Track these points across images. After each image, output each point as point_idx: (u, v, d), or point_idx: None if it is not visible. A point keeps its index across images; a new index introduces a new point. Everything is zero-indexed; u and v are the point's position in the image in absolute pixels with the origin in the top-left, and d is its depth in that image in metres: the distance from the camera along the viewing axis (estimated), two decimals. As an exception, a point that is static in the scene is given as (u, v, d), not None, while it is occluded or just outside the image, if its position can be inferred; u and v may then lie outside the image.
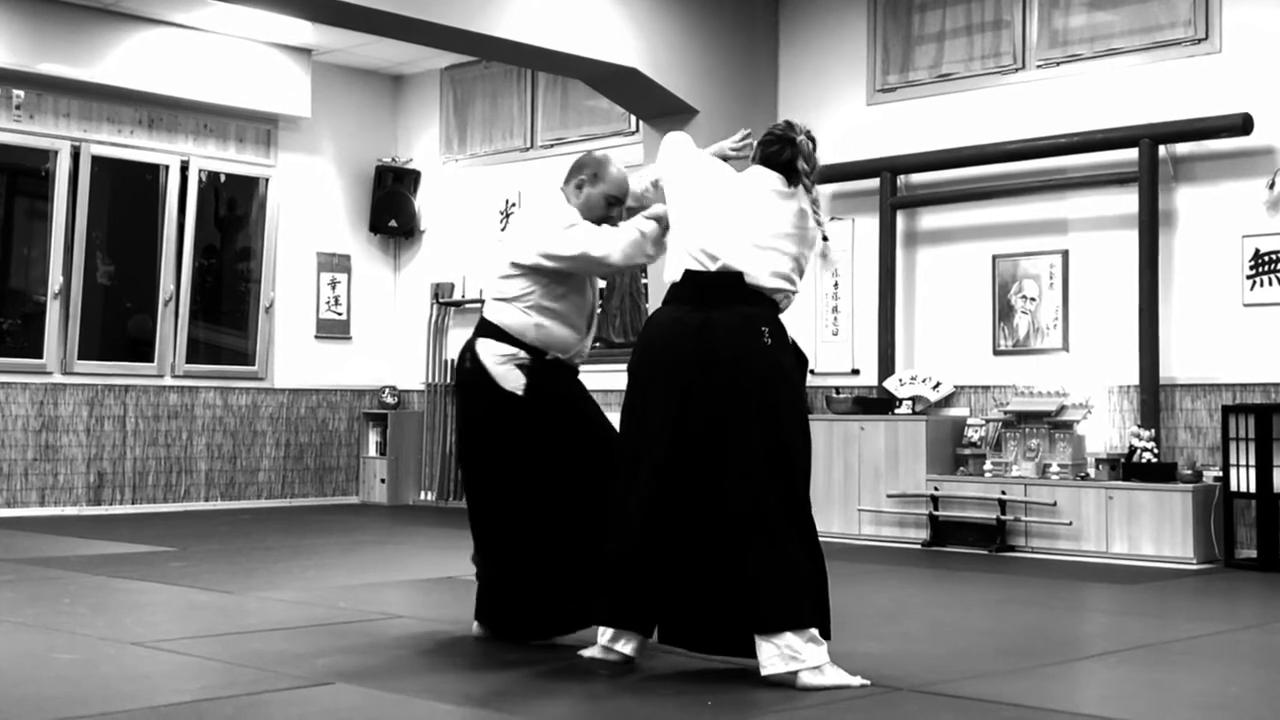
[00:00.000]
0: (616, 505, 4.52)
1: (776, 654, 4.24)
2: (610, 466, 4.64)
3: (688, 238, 4.55)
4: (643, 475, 4.43)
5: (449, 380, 11.65)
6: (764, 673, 4.26)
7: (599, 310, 10.77)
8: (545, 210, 4.98)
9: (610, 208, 5.01)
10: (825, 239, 4.68)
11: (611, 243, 4.82)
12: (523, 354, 4.89)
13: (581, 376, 5.06)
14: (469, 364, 4.95)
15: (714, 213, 4.56)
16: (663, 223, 4.80)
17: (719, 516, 4.35)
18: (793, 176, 4.53)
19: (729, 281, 4.44)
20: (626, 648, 4.53)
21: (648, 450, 4.44)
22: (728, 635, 4.46)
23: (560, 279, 4.91)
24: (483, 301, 5.19)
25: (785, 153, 4.52)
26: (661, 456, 4.40)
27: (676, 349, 4.44)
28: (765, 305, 4.46)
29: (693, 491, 4.38)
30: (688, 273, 4.51)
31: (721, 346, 4.37)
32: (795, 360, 4.52)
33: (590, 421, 4.96)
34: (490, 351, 4.90)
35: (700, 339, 4.39)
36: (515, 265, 4.91)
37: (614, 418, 4.73)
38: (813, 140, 4.58)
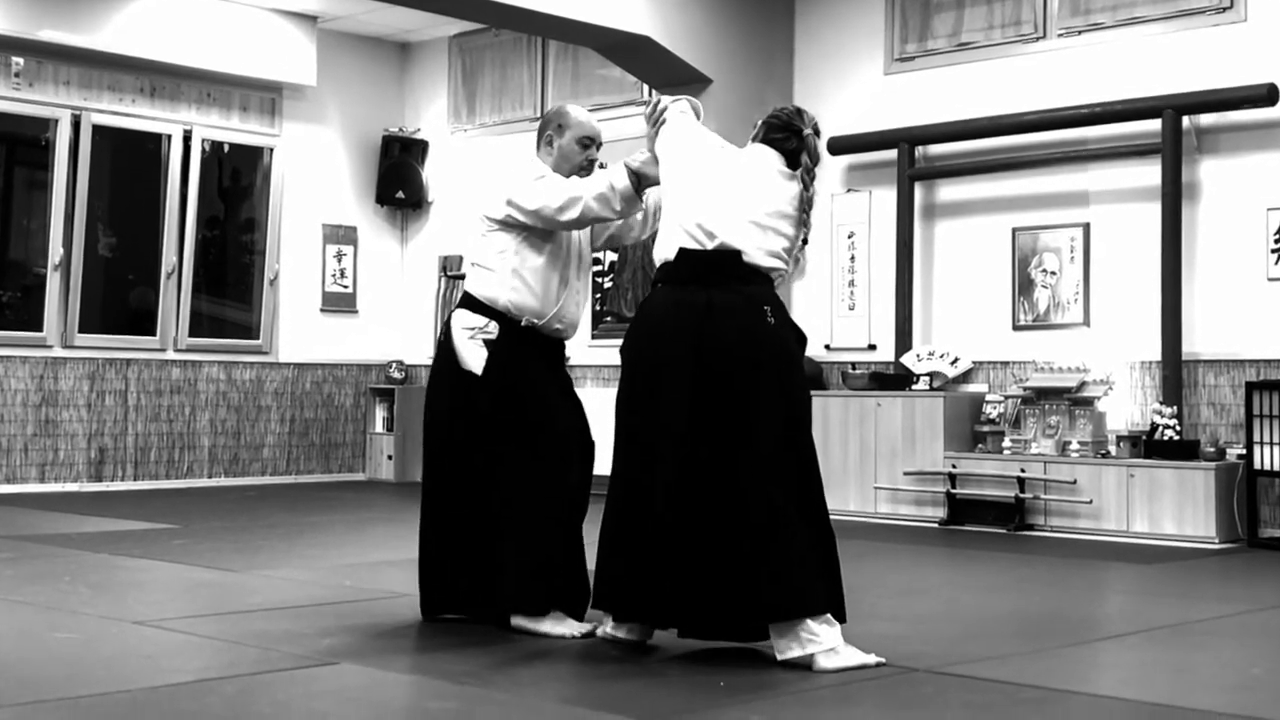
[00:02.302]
0: (621, 495, 4.42)
1: (793, 638, 4.18)
2: (565, 452, 4.76)
3: (683, 213, 4.44)
4: (658, 464, 4.31)
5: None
6: (780, 657, 4.20)
7: (610, 284, 10.76)
8: (517, 166, 4.96)
9: (585, 150, 4.98)
10: (805, 242, 4.56)
11: (571, 195, 4.74)
12: (492, 326, 4.82)
13: (592, 351, 4.95)
14: (441, 336, 4.99)
15: (712, 188, 4.46)
16: (644, 180, 4.71)
17: (735, 504, 4.24)
18: (794, 165, 4.47)
19: (727, 260, 4.35)
20: (634, 634, 4.49)
21: (660, 438, 4.33)
22: (742, 622, 4.37)
23: (539, 238, 4.86)
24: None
25: (791, 142, 4.47)
26: (675, 444, 4.28)
27: (681, 333, 4.32)
28: (764, 284, 4.38)
29: (709, 479, 4.26)
30: (682, 251, 4.40)
31: (726, 329, 4.28)
32: (796, 339, 4.45)
33: (550, 407, 4.84)
34: (460, 324, 4.88)
35: (705, 322, 4.28)
36: (488, 220, 4.88)
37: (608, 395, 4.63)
38: (818, 134, 4.52)
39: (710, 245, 4.37)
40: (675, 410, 4.30)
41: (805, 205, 4.46)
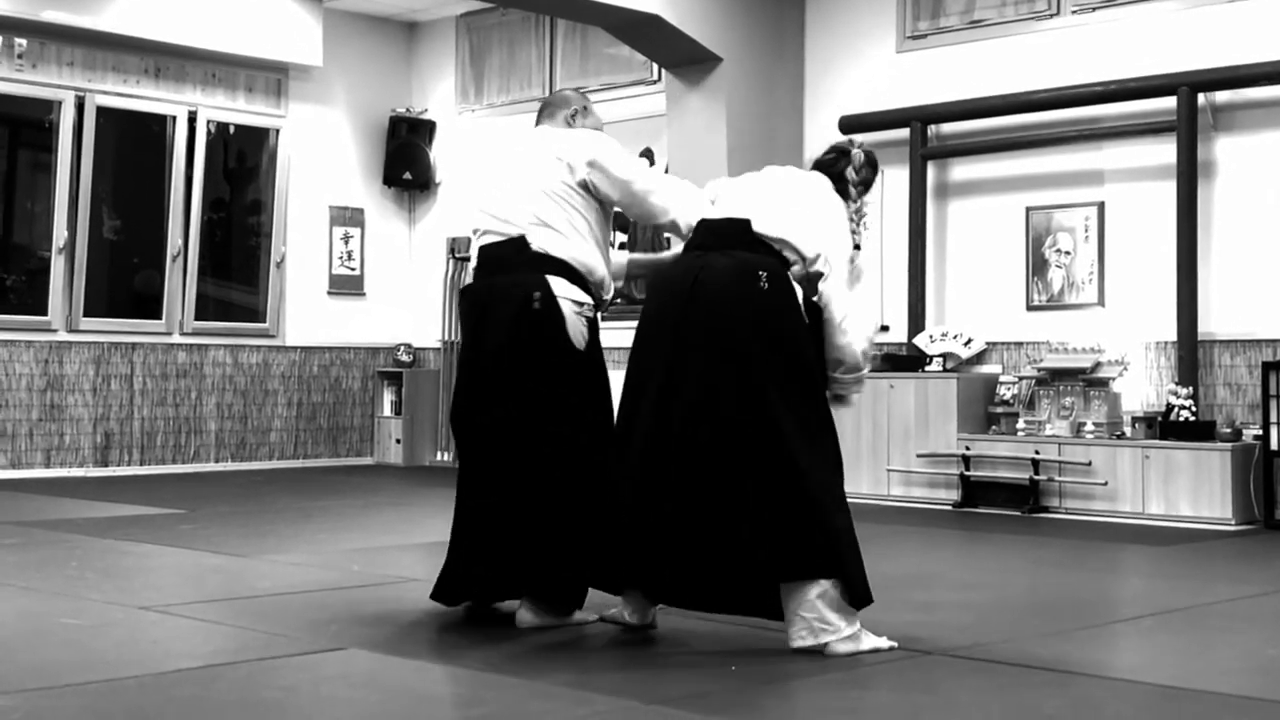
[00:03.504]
0: (616, 462, 4.40)
1: (806, 627, 4.12)
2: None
3: (710, 206, 4.55)
4: (637, 421, 4.32)
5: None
6: (793, 645, 4.14)
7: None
8: (584, 133, 4.74)
9: None
10: (858, 247, 4.57)
11: (670, 196, 4.63)
12: (590, 301, 4.59)
13: (603, 333, 4.81)
14: (539, 305, 4.48)
15: (744, 184, 4.60)
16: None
17: (699, 466, 4.19)
18: (841, 187, 4.57)
19: (735, 227, 4.38)
20: (635, 616, 4.44)
21: (640, 396, 4.34)
22: (745, 591, 4.28)
23: (600, 210, 4.65)
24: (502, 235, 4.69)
25: (839, 163, 4.60)
26: (650, 402, 4.28)
27: (674, 292, 4.35)
28: (770, 254, 4.34)
29: (680, 437, 4.22)
30: (700, 222, 4.49)
31: (713, 288, 4.25)
32: (797, 309, 4.33)
33: (606, 384, 4.73)
34: (566, 295, 4.52)
35: (692, 284, 4.29)
36: (565, 184, 4.57)
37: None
38: (871, 160, 4.66)
39: (719, 215, 4.45)
40: (654, 368, 4.32)
41: (856, 215, 4.59)
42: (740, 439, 4.14)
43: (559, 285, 4.49)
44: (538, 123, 4.88)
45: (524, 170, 4.64)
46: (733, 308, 4.21)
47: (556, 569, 4.48)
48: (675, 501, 4.20)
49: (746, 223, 4.36)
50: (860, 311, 4.45)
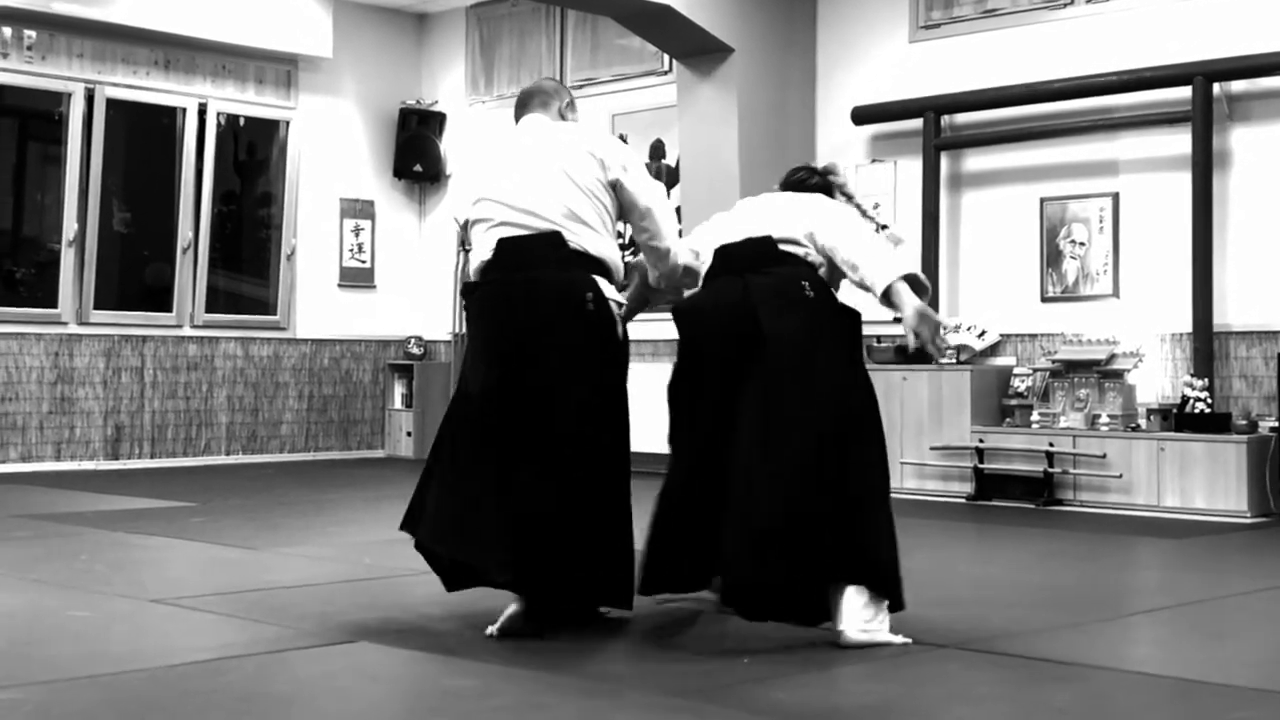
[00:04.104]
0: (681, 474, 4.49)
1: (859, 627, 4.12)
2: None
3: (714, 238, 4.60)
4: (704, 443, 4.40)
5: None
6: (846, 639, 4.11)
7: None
8: (612, 138, 4.82)
9: None
10: (884, 226, 4.63)
11: (674, 219, 4.66)
12: (622, 299, 4.55)
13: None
14: (592, 305, 4.35)
15: (739, 212, 4.67)
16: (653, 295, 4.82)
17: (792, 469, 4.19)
18: (829, 195, 4.68)
19: (760, 246, 4.41)
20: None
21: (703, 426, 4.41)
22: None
23: (615, 213, 4.60)
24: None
25: (813, 178, 4.69)
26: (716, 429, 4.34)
27: (719, 321, 4.39)
28: (798, 264, 4.39)
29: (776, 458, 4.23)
30: (719, 250, 4.50)
31: (765, 309, 4.29)
32: (842, 309, 4.40)
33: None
34: (611, 296, 4.45)
35: (740, 304, 4.34)
36: (604, 182, 4.47)
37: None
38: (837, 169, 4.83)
39: (739, 237, 4.49)
40: (711, 392, 4.42)
41: (855, 204, 4.69)
42: (829, 444, 4.17)
43: (604, 285, 4.42)
44: (525, 112, 4.69)
45: (547, 162, 4.47)
46: (787, 320, 4.25)
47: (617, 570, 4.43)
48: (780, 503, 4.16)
49: (768, 239, 4.36)
50: (866, 243, 4.35)
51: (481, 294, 4.47)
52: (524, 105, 4.73)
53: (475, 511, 4.32)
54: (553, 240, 4.36)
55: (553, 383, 4.31)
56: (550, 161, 4.46)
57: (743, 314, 4.26)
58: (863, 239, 4.33)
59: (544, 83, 4.85)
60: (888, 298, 4.20)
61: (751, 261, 4.35)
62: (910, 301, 4.18)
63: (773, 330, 4.22)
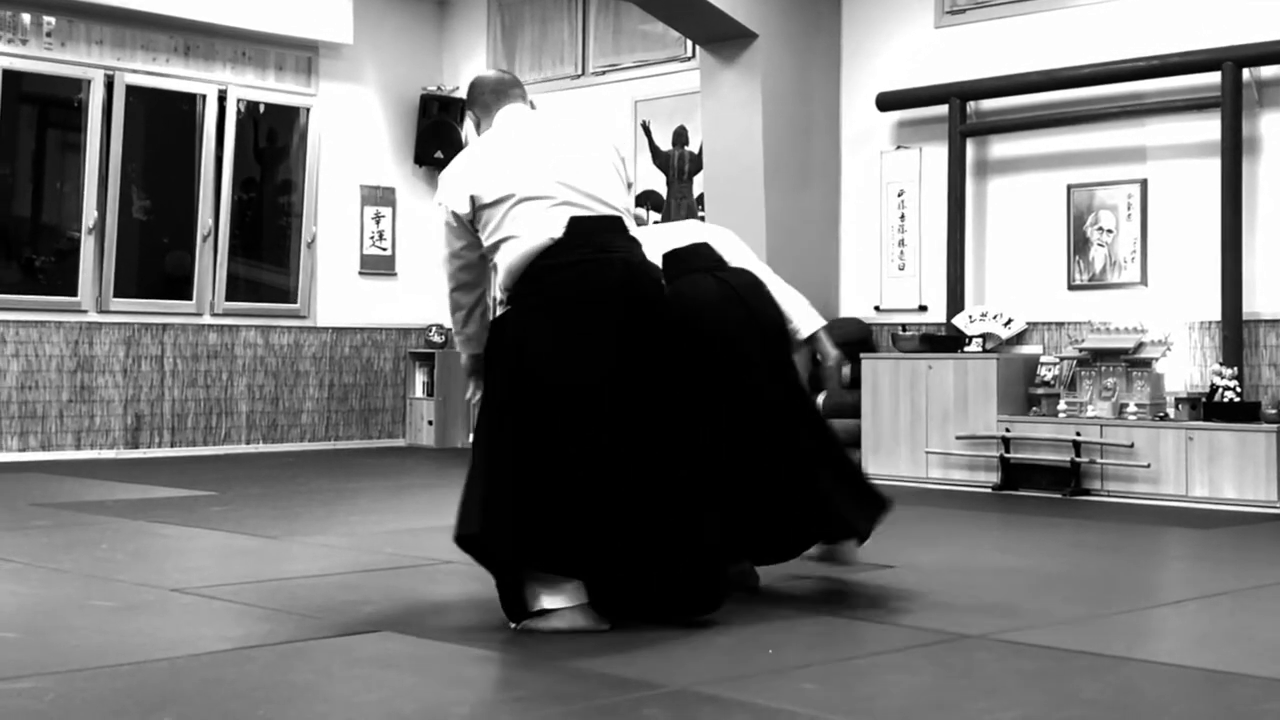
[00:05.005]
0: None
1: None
2: None
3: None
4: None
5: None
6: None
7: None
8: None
9: None
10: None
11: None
12: None
13: None
14: (668, 291, 4.39)
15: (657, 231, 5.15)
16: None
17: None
18: None
19: (705, 251, 4.94)
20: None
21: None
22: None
23: None
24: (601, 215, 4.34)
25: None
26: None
27: (716, 314, 4.76)
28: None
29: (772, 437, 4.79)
30: (669, 254, 4.82)
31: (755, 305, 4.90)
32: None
33: None
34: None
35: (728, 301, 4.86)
36: (623, 176, 4.47)
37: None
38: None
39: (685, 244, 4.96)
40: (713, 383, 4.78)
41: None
42: (802, 423, 4.84)
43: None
44: (507, 101, 4.53)
45: (588, 149, 4.36)
46: (769, 317, 4.83)
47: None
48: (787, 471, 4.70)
49: (708, 245, 4.89)
50: (789, 289, 5.04)
51: (579, 272, 4.19)
52: (503, 95, 4.55)
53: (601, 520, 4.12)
54: (615, 225, 4.28)
55: (660, 362, 4.23)
56: (590, 149, 4.37)
57: (735, 301, 4.73)
58: (784, 284, 5.00)
59: (506, 75, 4.70)
60: (809, 341, 5.00)
61: (705, 261, 4.81)
62: (831, 351, 5.06)
63: (764, 331, 4.80)
